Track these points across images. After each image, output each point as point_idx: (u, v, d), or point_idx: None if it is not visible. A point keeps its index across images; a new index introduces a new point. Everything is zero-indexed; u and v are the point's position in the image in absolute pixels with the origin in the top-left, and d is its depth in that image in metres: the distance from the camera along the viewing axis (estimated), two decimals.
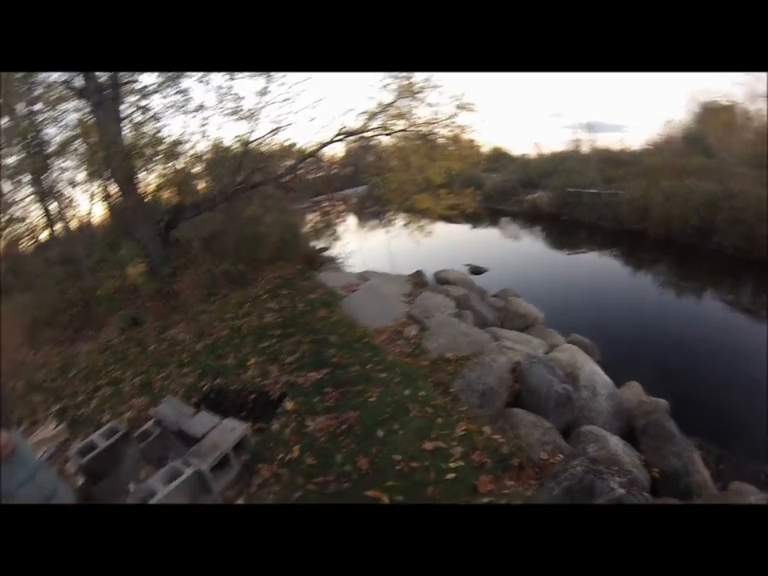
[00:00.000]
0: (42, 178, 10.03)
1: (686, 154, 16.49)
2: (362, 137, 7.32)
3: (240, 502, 2.80)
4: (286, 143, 8.71)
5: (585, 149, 21.30)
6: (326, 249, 9.89)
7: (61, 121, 7.34)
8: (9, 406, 5.05)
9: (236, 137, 7.78)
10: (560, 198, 16.72)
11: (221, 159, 8.27)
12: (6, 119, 7.10)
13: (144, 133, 6.86)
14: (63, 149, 7.69)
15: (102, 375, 5.13)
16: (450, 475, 2.68)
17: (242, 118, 7.13)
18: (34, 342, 7.21)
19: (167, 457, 3.46)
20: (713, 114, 19.30)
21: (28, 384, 5.76)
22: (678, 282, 10.45)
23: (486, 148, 25.43)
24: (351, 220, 17.48)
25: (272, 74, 6.77)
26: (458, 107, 6.85)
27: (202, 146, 8.46)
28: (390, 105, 6.98)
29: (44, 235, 11.29)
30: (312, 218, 9.86)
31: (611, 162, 18.12)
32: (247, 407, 3.78)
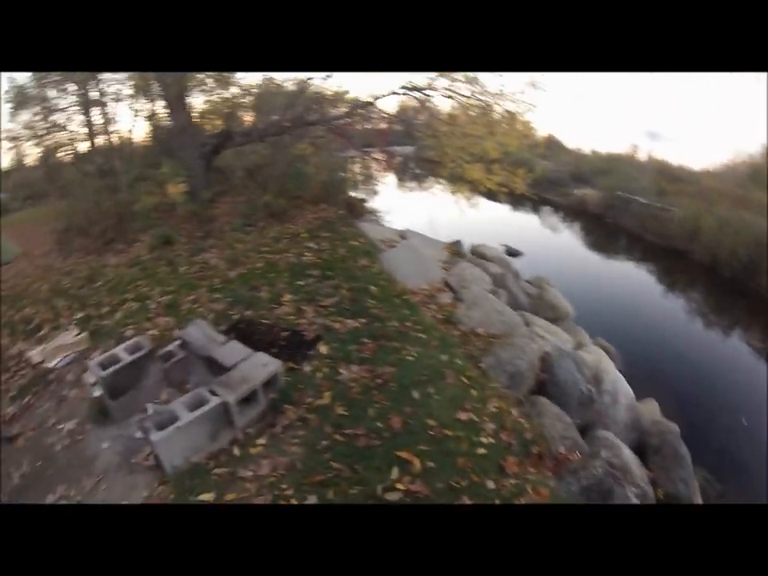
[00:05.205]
0: (87, 88, 9.77)
1: (748, 187, 15.11)
2: (424, 95, 6.94)
3: (262, 441, 2.61)
4: (339, 89, 8.46)
5: (642, 156, 20.67)
6: (365, 200, 9.79)
7: None
8: None
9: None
10: (608, 199, 16.14)
11: (272, 94, 8.14)
12: None
13: None
14: None
15: (129, 289, 4.84)
16: (481, 450, 2.63)
17: None
18: (64, 249, 7.01)
19: (188, 381, 3.25)
20: None
21: (53, 289, 5.57)
22: (709, 313, 10.12)
23: (541, 133, 24.64)
24: (391, 177, 17.17)
25: None
26: (528, 84, 6.21)
27: (253, 80, 8.33)
28: None
29: (84, 147, 11.13)
30: (356, 167, 9.76)
31: (666, 175, 17.35)
32: (279, 344, 3.53)
